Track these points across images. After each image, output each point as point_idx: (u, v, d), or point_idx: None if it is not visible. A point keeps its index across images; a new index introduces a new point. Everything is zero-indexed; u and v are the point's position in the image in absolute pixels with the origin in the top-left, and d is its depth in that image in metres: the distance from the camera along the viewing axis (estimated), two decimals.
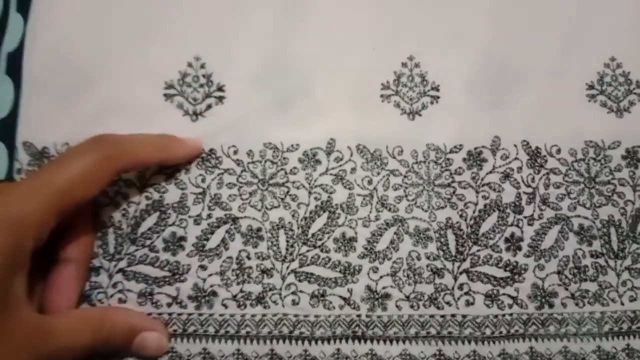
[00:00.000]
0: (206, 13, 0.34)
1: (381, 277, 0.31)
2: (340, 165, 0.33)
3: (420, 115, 0.34)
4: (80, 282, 0.30)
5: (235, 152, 0.33)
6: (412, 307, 0.31)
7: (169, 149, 0.31)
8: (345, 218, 0.32)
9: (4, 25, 0.34)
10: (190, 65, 0.34)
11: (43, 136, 0.32)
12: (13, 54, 0.33)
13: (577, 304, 0.32)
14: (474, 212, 0.32)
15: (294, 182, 0.32)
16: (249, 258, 0.31)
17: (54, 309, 0.28)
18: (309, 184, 0.32)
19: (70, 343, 0.26)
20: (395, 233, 0.32)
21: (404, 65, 0.34)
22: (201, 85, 0.33)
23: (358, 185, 0.32)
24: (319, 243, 0.32)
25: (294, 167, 0.33)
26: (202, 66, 0.34)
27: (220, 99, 0.33)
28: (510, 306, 0.31)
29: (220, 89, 0.33)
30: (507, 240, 0.32)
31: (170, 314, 0.31)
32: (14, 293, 0.25)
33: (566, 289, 0.32)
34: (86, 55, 0.33)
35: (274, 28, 0.34)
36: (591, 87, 0.34)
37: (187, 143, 0.32)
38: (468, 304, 0.31)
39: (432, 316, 0.31)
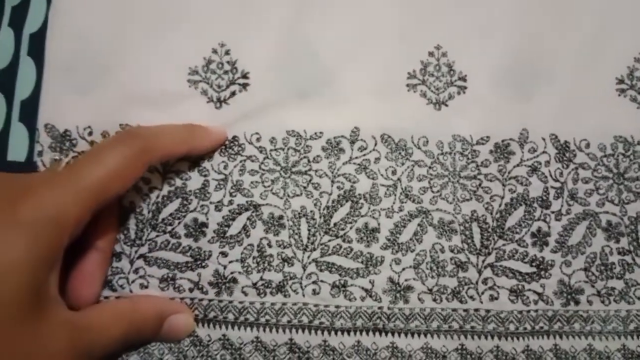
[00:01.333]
0: (230, 0, 0.34)
1: (404, 269, 0.31)
2: (364, 155, 0.32)
3: (446, 105, 0.33)
4: (104, 270, 0.30)
5: (258, 140, 0.32)
6: (434, 300, 0.31)
7: (196, 139, 0.31)
8: (368, 208, 0.32)
9: (26, 5, 0.34)
10: (215, 51, 0.33)
11: (65, 119, 0.32)
12: (35, 34, 0.33)
13: (603, 302, 0.31)
14: (500, 205, 0.32)
15: (316, 171, 0.32)
16: (270, 246, 0.31)
17: (79, 300, 0.28)
18: (332, 172, 0.32)
19: (104, 337, 0.26)
20: (419, 225, 0.31)
21: (430, 54, 0.34)
22: (225, 72, 0.33)
23: (382, 175, 0.32)
24: (341, 233, 0.31)
25: (317, 156, 0.32)
26: (227, 52, 0.33)
27: (244, 86, 0.33)
28: (536, 302, 0.31)
29: (244, 76, 0.33)
30: (533, 235, 0.31)
31: (192, 299, 0.30)
32: (50, 290, 0.25)
33: (592, 286, 0.31)
34: (110, 39, 0.33)
35: (299, 15, 0.34)
36: (621, 81, 0.34)
37: (212, 132, 0.32)
38: (492, 298, 0.31)
39: (454, 310, 0.31)
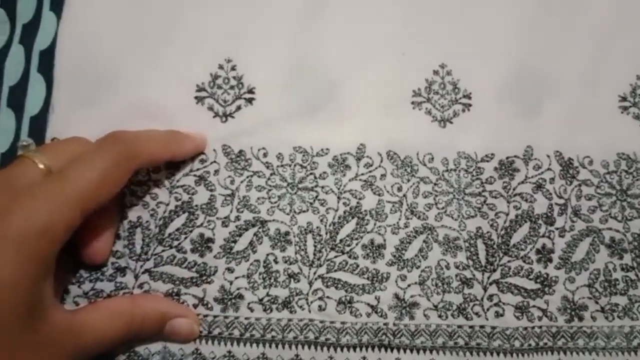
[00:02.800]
0: (236, 16, 0.34)
1: (409, 285, 0.31)
2: (370, 171, 0.33)
3: (451, 122, 0.33)
4: (115, 223, 0.31)
5: (265, 155, 0.33)
6: (440, 316, 0.31)
7: (177, 144, 0.32)
8: (374, 224, 0.32)
9: (37, 23, 0.34)
10: (221, 67, 0.34)
11: (72, 133, 0.32)
12: (45, 51, 0.34)
13: (606, 318, 0.32)
14: (505, 222, 0.32)
15: (323, 187, 0.32)
16: (276, 262, 0.31)
17: (93, 254, 0.29)
18: (338, 189, 0.32)
19: (103, 337, 0.27)
20: (424, 241, 0.32)
21: (435, 72, 0.34)
22: (232, 87, 0.34)
23: (387, 191, 0.32)
24: (347, 249, 0.32)
25: (324, 172, 0.33)
26: (233, 68, 0.34)
27: (250, 100, 0.34)
28: (540, 318, 0.31)
29: (250, 91, 0.34)
30: (538, 251, 0.32)
31: (197, 315, 0.30)
32: (45, 298, 0.25)
33: (596, 302, 0.32)
34: (116, 55, 0.33)
35: (305, 32, 0.34)
36: (624, 98, 0.34)
37: (193, 138, 0.32)
38: (497, 315, 0.31)
39: (460, 327, 0.31)
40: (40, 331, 0.24)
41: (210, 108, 0.33)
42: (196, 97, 0.33)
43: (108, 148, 0.28)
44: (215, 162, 0.32)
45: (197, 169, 0.32)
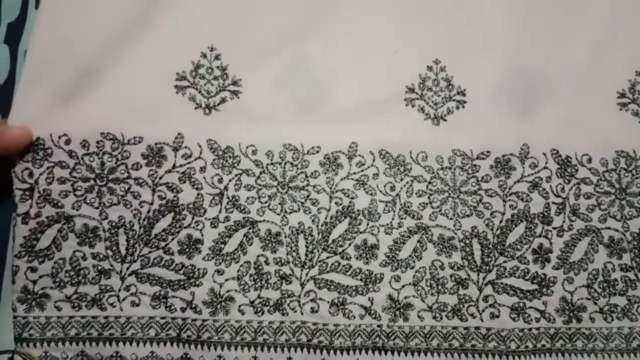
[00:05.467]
0: (222, 4, 0.34)
1: (403, 286, 0.31)
2: (362, 170, 0.32)
3: (445, 120, 0.33)
4: None
5: (254, 152, 0.32)
6: (434, 318, 0.31)
7: None
8: (367, 224, 0.32)
9: (22, 23, 0.33)
10: (204, 55, 0.33)
11: (38, 126, 0.31)
12: (13, 24, 0.33)
13: (605, 319, 0.32)
14: (500, 221, 0.32)
15: (314, 186, 0.32)
16: (267, 263, 0.31)
17: None
18: (330, 188, 0.32)
19: None
20: (418, 241, 0.32)
21: (429, 68, 0.34)
22: (215, 78, 0.33)
23: (380, 191, 0.32)
24: (340, 250, 0.32)
25: (315, 171, 0.32)
26: (217, 57, 0.33)
27: (236, 93, 0.33)
28: (537, 320, 0.31)
29: (235, 83, 0.33)
30: (534, 251, 0.32)
31: (184, 319, 0.30)
32: None
33: (595, 303, 0.32)
34: (92, 43, 0.32)
35: (295, 27, 0.34)
36: (622, 95, 0.34)
37: (12, 131, 0.31)
38: (493, 316, 0.31)
39: (455, 328, 0.31)
40: None
41: (192, 99, 0.33)
42: (176, 86, 0.33)
43: None
44: (200, 157, 0.32)
45: (181, 165, 0.32)
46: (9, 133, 0.30)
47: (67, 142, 0.31)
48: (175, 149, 0.32)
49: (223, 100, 0.33)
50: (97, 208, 0.31)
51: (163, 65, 0.33)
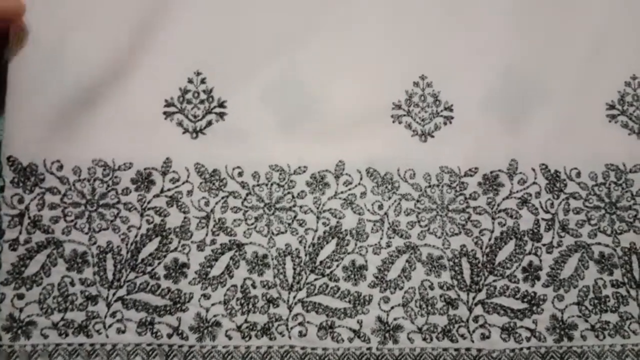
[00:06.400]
0: (205, 27, 0.34)
1: (392, 307, 0.31)
2: (350, 189, 0.32)
3: (432, 136, 0.33)
4: None
5: (240, 174, 0.32)
6: (424, 339, 0.31)
7: None
8: (355, 245, 0.32)
9: None
10: (190, 81, 0.33)
11: (31, 151, 0.31)
12: None
13: (597, 336, 0.31)
14: (489, 239, 0.32)
15: (301, 207, 0.32)
16: (254, 287, 0.31)
17: None
18: (317, 208, 0.32)
19: None
20: (407, 261, 0.31)
21: (415, 84, 0.34)
22: (201, 102, 0.33)
23: (368, 210, 0.32)
24: (328, 271, 0.31)
25: (302, 191, 0.32)
26: (203, 81, 0.33)
27: (221, 115, 0.33)
28: (528, 339, 0.31)
29: (221, 104, 0.33)
30: (524, 269, 0.32)
31: (170, 346, 0.30)
32: None
33: (586, 321, 0.31)
34: (84, 71, 0.32)
35: (279, 44, 0.34)
36: (612, 106, 0.34)
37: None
38: (484, 337, 0.31)
39: (445, 349, 0.30)
40: None
41: (180, 124, 0.33)
42: (165, 113, 0.33)
43: None
44: (188, 181, 0.32)
45: (169, 189, 0.32)
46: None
47: (60, 168, 0.31)
48: (164, 174, 0.32)
49: (209, 124, 0.33)
50: (86, 233, 0.31)
51: (153, 91, 0.33)
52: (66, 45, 0.32)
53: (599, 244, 0.32)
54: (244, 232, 0.32)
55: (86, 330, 0.30)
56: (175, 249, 0.31)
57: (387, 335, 0.31)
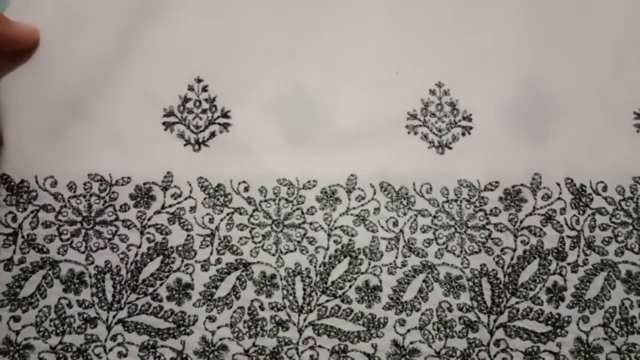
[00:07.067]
0: (207, 32, 0.32)
1: (409, 330, 0.30)
2: (362, 205, 0.31)
3: (450, 148, 0.31)
4: None
5: (246, 189, 0.31)
6: None
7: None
8: (369, 264, 0.30)
9: None
10: (191, 88, 0.32)
11: (22, 167, 0.30)
12: None
13: (623, 359, 0.30)
14: (512, 259, 0.30)
15: (311, 223, 0.30)
16: (262, 308, 0.30)
17: None
18: (328, 225, 0.30)
19: None
20: (424, 281, 0.30)
21: (432, 92, 0.32)
22: (204, 111, 0.32)
23: (382, 227, 0.31)
24: (340, 292, 0.30)
25: (312, 207, 0.31)
26: (205, 89, 0.32)
27: (225, 126, 0.31)
28: None
29: (225, 114, 0.31)
30: (549, 290, 0.30)
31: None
32: None
33: (612, 343, 0.30)
34: (71, 83, 0.31)
35: (286, 51, 0.32)
36: (639, 116, 0.32)
37: (19, 26, 0.30)
38: None
39: None
40: None
41: (181, 135, 0.31)
42: (164, 123, 0.31)
43: None
44: (190, 197, 0.31)
45: (170, 205, 0.30)
46: (16, 28, 0.30)
47: (54, 184, 0.30)
48: (165, 189, 0.30)
49: (213, 135, 0.31)
50: (83, 252, 0.30)
51: (150, 101, 0.31)
52: (55, 58, 0.31)
53: (626, 262, 0.31)
54: (251, 251, 0.30)
55: (85, 354, 0.29)
56: (178, 269, 0.30)
57: (403, 359, 0.29)
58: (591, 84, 0.32)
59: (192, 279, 0.30)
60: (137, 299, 0.29)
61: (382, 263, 0.30)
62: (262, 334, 0.29)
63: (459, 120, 0.32)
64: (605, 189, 0.31)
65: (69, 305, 0.29)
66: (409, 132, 0.32)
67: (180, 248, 0.30)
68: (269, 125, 0.31)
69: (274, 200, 0.31)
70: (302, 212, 0.31)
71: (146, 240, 0.30)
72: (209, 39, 0.32)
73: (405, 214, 0.31)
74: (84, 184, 0.30)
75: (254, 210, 0.30)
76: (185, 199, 0.30)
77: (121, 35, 0.31)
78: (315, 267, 0.30)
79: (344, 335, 0.29)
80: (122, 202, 0.30)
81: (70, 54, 0.31)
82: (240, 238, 0.30)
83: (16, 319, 0.29)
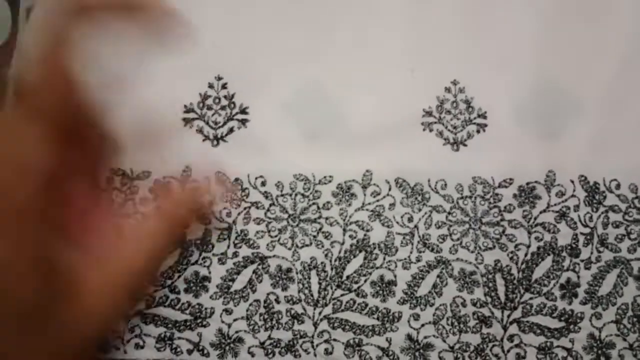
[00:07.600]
0: (225, 30, 0.33)
1: (423, 325, 0.30)
2: (378, 201, 0.31)
3: (465, 145, 0.32)
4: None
5: (263, 184, 0.31)
6: (456, 358, 0.29)
7: None
8: (384, 259, 0.30)
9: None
10: (211, 86, 0.32)
11: None
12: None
13: (635, 356, 0.30)
14: (525, 255, 0.30)
15: (327, 218, 0.31)
16: (277, 302, 0.30)
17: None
18: (344, 220, 0.31)
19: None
20: (438, 276, 0.30)
21: (447, 90, 0.32)
22: (222, 108, 0.32)
23: (397, 222, 0.31)
24: (355, 286, 0.30)
25: (327, 202, 0.31)
26: (224, 86, 0.32)
27: (244, 122, 0.32)
28: (565, 359, 0.29)
29: (243, 111, 0.32)
30: (562, 286, 0.30)
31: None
32: None
33: (624, 340, 0.30)
34: (97, 78, 0.31)
35: (303, 49, 0.33)
36: None
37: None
38: (519, 357, 0.29)
39: None
40: None
41: (200, 131, 0.32)
42: (184, 119, 0.32)
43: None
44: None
45: None
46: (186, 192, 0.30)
47: None
48: (183, 183, 0.31)
49: (231, 131, 0.32)
50: None
51: (170, 97, 0.32)
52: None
53: (639, 259, 0.31)
54: (267, 245, 0.30)
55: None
56: (196, 262, 0.30)
57: (417, 354, 0.29)
58: (605, 82, 0.32)
59: (210, 272, 0.30)
60: (155, 291, 0.30)
61: (397, 258, 0.30)
62: (278, 326, 0.29)
63: (474, 118, 0.32)
64: (618, 186, 0.31)
65: None
66: (424, 129, 0.32)
67: (198, 241, 0.30)
68: (286, 121, 0.32)
69: (291, 195, 0.31)
70: (318, 207, 0.31)
71: None
72: (229, 38, 0.32)
73: (420, 209, 0.31)
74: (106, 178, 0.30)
75: (270, 205, 0.31)
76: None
77: (142, 35, 0.32)
78: (330, 261, 0.30)
79: (359, 329, 0.30)
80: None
81: (92, 52, 0.31)
82: (257, 232, 0.30)
83: None
